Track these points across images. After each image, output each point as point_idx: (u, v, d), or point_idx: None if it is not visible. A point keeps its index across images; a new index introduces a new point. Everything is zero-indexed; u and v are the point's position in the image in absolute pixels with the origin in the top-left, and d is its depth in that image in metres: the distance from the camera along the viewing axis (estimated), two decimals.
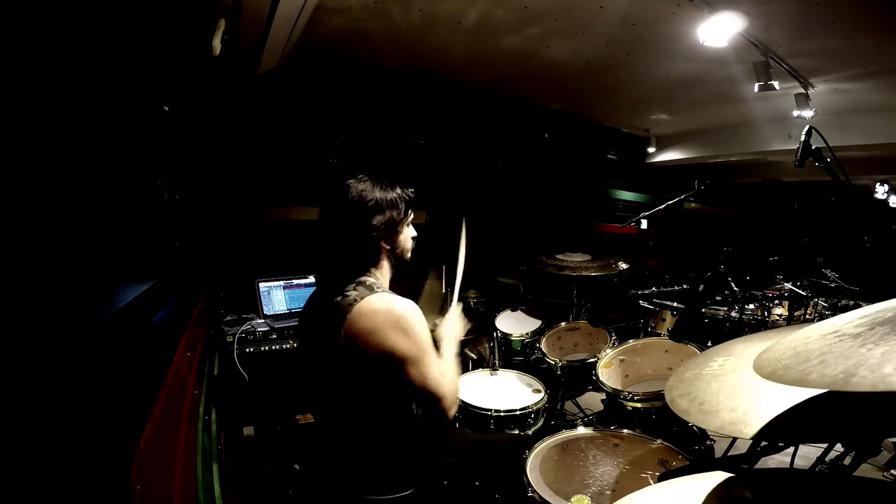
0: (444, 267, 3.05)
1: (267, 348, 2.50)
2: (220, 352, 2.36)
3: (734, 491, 0.77)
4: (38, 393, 0.80)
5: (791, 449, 1.52)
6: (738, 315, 2.75)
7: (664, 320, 2.97)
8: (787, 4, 2.42)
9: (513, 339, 2.79)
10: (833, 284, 2.99)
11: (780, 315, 2.91)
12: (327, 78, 3.47)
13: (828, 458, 1.19)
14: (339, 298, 1.29)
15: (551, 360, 2.48)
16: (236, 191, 3.22)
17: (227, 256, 3.04)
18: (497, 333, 2.85)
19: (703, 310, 2.83)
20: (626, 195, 5.97)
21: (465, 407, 2.00)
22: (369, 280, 1.34)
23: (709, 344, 2.19)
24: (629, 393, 1.93)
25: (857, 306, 2.52)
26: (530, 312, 3.03)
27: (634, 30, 2.78)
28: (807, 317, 2.84)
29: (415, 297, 1.34)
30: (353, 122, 3.70)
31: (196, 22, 2.07)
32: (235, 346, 2.41)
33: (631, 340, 2.32)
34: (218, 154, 3.14)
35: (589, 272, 2.95)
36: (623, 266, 2.95)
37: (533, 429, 2.00)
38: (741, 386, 0.96)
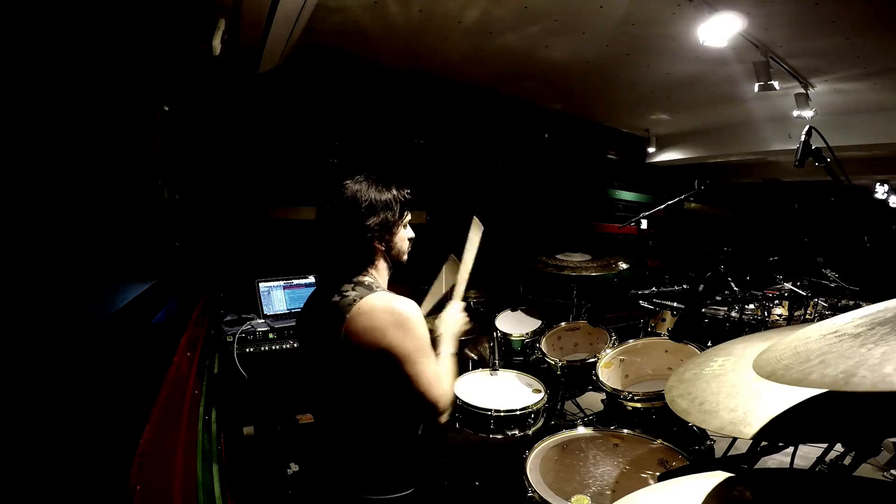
0: (443, 267, 3.04)
1: (267, 348, 2.50)
2: (220, 352, 2.36)
3: (734, 491, 0.77)
4: (39, 393, 0.80)
5: (791, 449, 1.53)
6: (738, 315, 2.74)
7: (664, 320, 2.97)
8: (787, 4, 2.42)
9: (513, 339, 2.79)
10: (833, 284, 2.99)
11: (780, 315, 2.91)
12: (327, 78, 3.47)
13: (828, 458, 1.20)
14: (337, 298, 1.29)
15: (551, 360, 2.48)
16: (236, 191, 3.22)
17: (227, 256, 3.04)
18: (497, 333, 2.85)
19: (703, 310, 2.83)
20: (626, 195, 5.97)
21: (465, 407, 1.99)
22: (367, 280, 1.34)
23: (709, 344, 2.19)
24: (629, 393, 1.93)
25: (857, 306, 2.52)
26: (530, 312, 3.03)
27: (634, 30, 2.78)
28: (807, 317, 2.84)
29: (416, 298, 1.34)
30: (353, 122, 3.70)
31: (196, 22, 2.07)
32: (235, 346, 2.41)
33: (631, 340, 2.32)
34: (218, 154, 3.14)
35: (589, 272, 2.95)
36: (623, 266, 2.95)
37: (533, 429, 2.00)
38: (741, 386, 0.96)
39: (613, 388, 1.99)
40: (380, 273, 1.41)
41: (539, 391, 2.14)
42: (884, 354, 0.57)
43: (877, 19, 2.51)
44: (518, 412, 1.96)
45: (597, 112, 4.88)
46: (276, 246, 3.19)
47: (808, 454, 1.47)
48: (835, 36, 2.73)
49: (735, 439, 1.38)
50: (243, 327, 2.50)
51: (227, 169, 3.18)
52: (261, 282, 2.75)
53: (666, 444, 1.51)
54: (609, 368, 2.20)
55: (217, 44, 2.05)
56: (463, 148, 4.38)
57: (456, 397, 2.03)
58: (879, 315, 0.69)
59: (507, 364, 2.68)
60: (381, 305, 1.25)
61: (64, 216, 1.04)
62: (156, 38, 1.85)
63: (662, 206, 3.02)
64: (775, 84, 2.96)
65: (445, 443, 1.57)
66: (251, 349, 2.46)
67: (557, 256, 3.14)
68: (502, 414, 1.95)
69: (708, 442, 1.86)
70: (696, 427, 1.83)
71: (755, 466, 1.15)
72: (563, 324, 2.83)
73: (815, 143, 1.84)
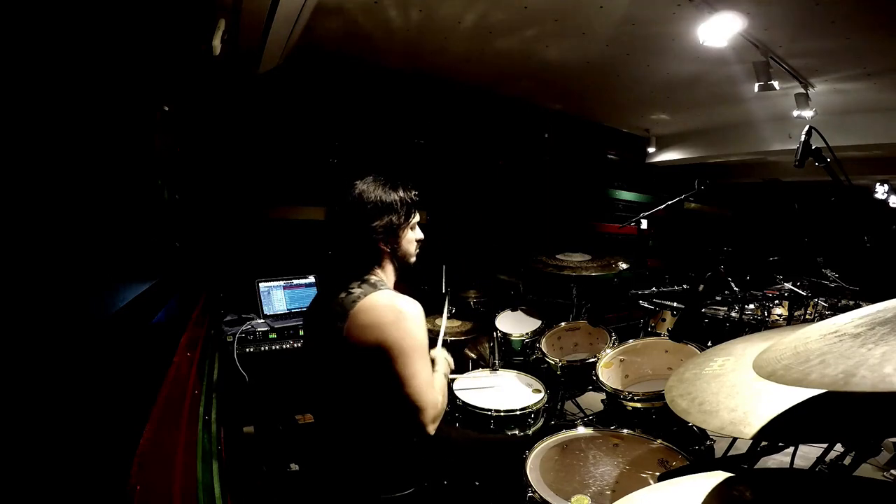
0: (443, 267, 3.05)
1: (267, 348, 2.50)
2: (220, 352, 2.36)
3: (734, 491, 0.77)
4: (39, 393, 0.80)
5: (791, 449, 1.53)
6: (738, 315, 2.74)
7: (664, 320, 2.97)
8: (787, 5, 2.42)
9: (513, 339, 2.79)
10: (833, 284, 2.99)
11: (780, 315, 2.91)
12: (327, 78, 3.47)
13: (828, 458, 1.20)
14: (343, 296, 1.29)
15: (551, 360, 2.48)
16: (236, 191, 3.22)
17: (227, 256, 3.04)
18: (497, 333, 2.85)
19: (703, 310, 2.83)
20: (626, 195, 5.97)
21: (465, 407, 2.00)
22: (373, 279, 1.35)
23: (709, 344, 2.19)
24: (629, 393, 1.93)
25: (857, 306, 2.52)
26: (530, 312, 3.03)
27: (634, 30, 2.78)
28: (807, 317, 2.84)
29: (415, 297, 1.34)
30: (353, 122, 3.70)
31: (196, 22, 2.07)
32: (235, 346, 2.41)
33: (631, 340, 2.32)
34: (218, 154, 3.14)
35: (589, 272, 2.95)
36: (623, 266, 2.95)
37: (533, 429, 2.00)
38: (741, 386, 0.96)
39: (613, 388, 2.00)
40: (387, 273, 1.41)
41: (539, 391, 2.14)
42: (884, 354, 0.57)
43: (877, 19, 2.51)
44: (518, 412, 1.96)
45: (597, 112, 4.88)
46: (276, 246, 3.19)
47: (808, 454, 1.47)
48: (835, 36, 2.73)
49: (735, 439, 1.38)
50: (243, 327, 2.50)
51: (227, 169, 3.18)
52: (261, 282, 2.75)
53: (666, 444, 1.51)
54: (609, 368, 2.20)
55: (217, 44, 2.05)
56: (463, 148, 4.38)
57: (456, 397, 2.03)
58: (879, 315, 0.69)
59: (507, 364, 2.68)
60: (383, 303, 1.25)
61: (64, 216, 1.04)
62: (156, 39, 1.85)
63: (662, 206, 3.02)
64: (775, 84, 2.96)
65: (445, 442, 1.57)
66: (251, 349, 2.46)
67: (557, 256, 3.14)
68: (502, 414, 1.95)
69: (708, 442, 1.86)
70: (696, 427, 1.83)
71: (755, 466, 1.15)
72: (563, 324, 2.83)
73: (815, 143, 1.84)
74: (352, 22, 2.69)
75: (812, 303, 2.88)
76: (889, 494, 0.75)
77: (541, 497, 1.31)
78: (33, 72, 0.92)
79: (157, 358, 1.35)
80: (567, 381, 2.42)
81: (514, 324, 2.95)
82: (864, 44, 2.80)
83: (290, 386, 2.44)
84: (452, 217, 4.22)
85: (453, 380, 2.15)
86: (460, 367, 3.01)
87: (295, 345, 2.54)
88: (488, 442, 1.75)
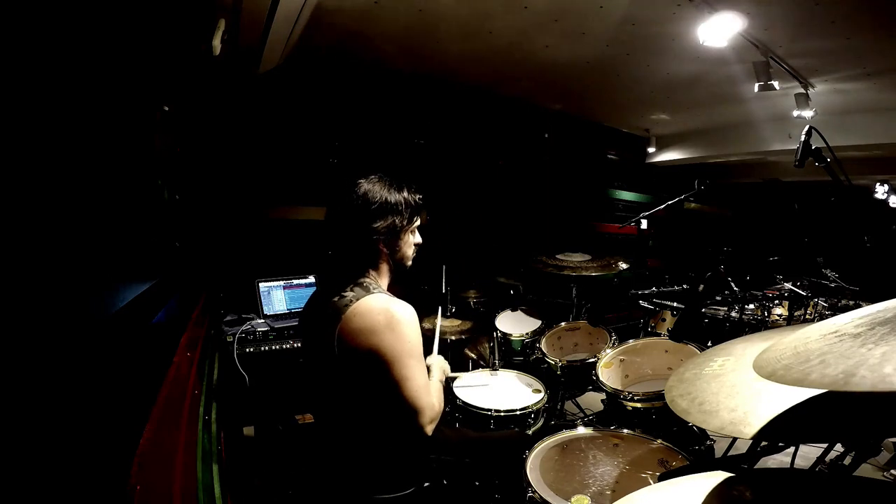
0: (443, 267, 3.05)
1: (267, 348, 2.50)
2: (220, 352, 2.36)
3: (734, 491, 0.77)
4: (39, 393, 0.80)
5: (791, 449, 1.52)
6: (738, 315, 2.74)
7: (664, 320, 2.97)
8: (787, 5, 2.42)
9: (513, 339, 2.79)
10: (833, 284, 2.99)
11: (780, 315, 2.91)
12: (327, 78, 3.47)
13: (828, 458, 1.20)
14: (336, 299, 1.29)
15: (551, 360, 2.48)
16: (236, 191, 3.23)
17: (227, 256, 3.04)
18: (497, 333, 2.85)
19: (703, 310, 2.83)
20: (626, 195, 5.97)
21: (465, 407, 2.00)
22: (367, 281, 1.34)
23: (709, 344, 2.19)
24: (629, 393, 1.93)
25: (857, 306, 2.52)
26: (530, 312, 3.03)
27: (634, 30, 2.78)
28: (807, 317, 2.84)
29: (413, 299, 1.34)
30: (353, 122, 3.70)
31: (196, 22, 2.07)
32: (235, 346, 2.41)
33: (631, 340, 2.32)
34: (218, 154, 3.14)
35: (589, 272, 2.94)
36: (623, 266, 2.95)
37: (533, 429, 2.00)
38: (741, 386, 0.96)
39: (613, 388, 1.99)
40: (381, 275, 1.40)
41: (539, 391, 2.14)
42: (884, 354, 0.57)
43: (877, 19, 2.51)
44: (518, 412, 1.96)
45: (597, 112, 4.88)
46: (276, 246, 3.19)
47: (808, 454, 1.47)
48: (835, 36, 2.73)
49: (735, 439, 1.38)
50: (243, 327, 2.50)
51: (227, 169, 3.18)
52: (261, 282, 2.75)
53: (666, 444, 1.51)
54: (609, 368, 2.20)
55: (217, 44, 2.05)
56: (463, 148, 4.38)
57: (456, 397, 2.03)
58: (879, 315, 0.69)
59: (507, 364, 2.68)
60: (377, 307, 1.25)
61: (64, 216, 1.04)
62: (156, 39, 1.85)
63: (662, 206, 3.02)
64: (775, 84, 2.96)
65: (445, 442, 1.57)
66: (251, 349, 2.46)
67: (557, 256, 3.14)
68: (502, 414, 1.95)
69: (708, 442, 1.86)
70: (696, 427, 1.83)
71: (755, 466, 1.14)
72: (563, 324, 2.83)
73: (815, 143, 1.84)
74: (352, 22, 2.69)
75: (812, 303, 2.88)
76: (889, 494, 0.75)
77: (541, 497, 1.31)
78: (34, 72, 0.92)
79: (157, 358, 1.35)
80: (567, 381, 2.42)
81: (514, 324, 2.95)
82: (864, 44, 2.80)
83: (290, 386, 2.44)
84: (452, 217, 4.22)
85: (453, 379, 2.15)
86: (461, 367, 3.02)
87: (295, 345, 2.54)
88: (488, 442, 1.75)
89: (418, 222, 1.44)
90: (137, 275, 1.54)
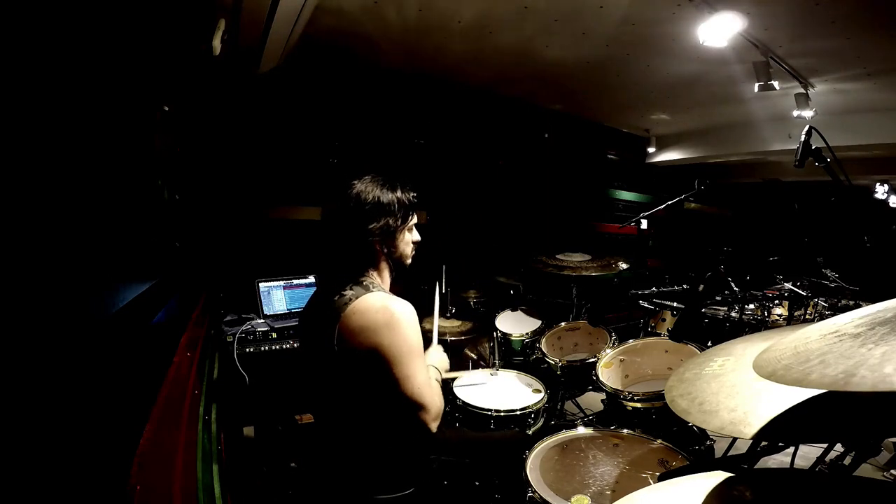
0: (443, 267, 3.05)
1: (267, 348, 2.50)
2: (220, 352, 2.36)
3: (734, 491, 0.77)
4: (39, 393, 0.80)
5: (791, 449, 1.52)
6: (738, 315, 2.74)
7: (664, 320, 2.97)
8: (787, 4, 2.42)
9: (513, 339, 2.79)
10: (833, 284, 2.99)
11: (780, 315, 2.91)
12: (327, 78, 3.47)
13: (828, 458, 1.20)
14: (336, 298, 1.29)
15: (551, 360, 2.48)
16: (236, 191, 3.22)
17: (227, 256, 3.04)
18: (497, 333, 2.85)
19: (703, 310, 2.83)
20: (626, 195, 5.97)
21: (465, 407, 2.00)
22: (367, 281, 1.34)
23: (709, 344, 2.19)
24: (629, 393, 1.93)
25: (857, 306, 2.52)
26: (530, 312, 3.03)
27: (634, 30, 2.78)
28: (807, 317, 2.84)
29: (414, 298, 1.34)
30: (353, 122, 3.70)
31: (196, 22, 2.07)
32: (235, 346, 2.40)
33: (631, 340, 2.32)
34: (218, 154, 3.14)
35: (589, 272, 2.95)
36: (623, 266, 2.95)
37: (533, 429, 2.00)
38: (741, 386, 0.96)
39: (613, 388, 1.99)
40: (381, 275, 1.40)
41: (539, 391, 2.14)
42: (884, 354, 0.57)
43: (877, 19, 2.51)
44: (518, 412, 1.96)
45: (597, 112, 4.88)
46: (276, 246, 3.19)
47: (808, 454, 1.47)
48: (835, 36, 2.73)
49: (735, 439, 1.38)
50: (243, 327, 2.50)
51: (227, 169, 3.18)
52: (261, 282, 2.75)
53: (666, 444, 1.51)
54: (609, 368, 2.20)
55: (217, 44, 2.04)
56: (463, 148, 4.38)
57: (456, 397, 2.03)
58: (879, 315, 0.69)
59: (507, 364, 2.68)
60: (375, 305, 1.25)
61: (64, 216, 1.04)
62: (156, 39, 1.85)
63: (662, 206, 3.02)
64: (775, 84, 2.96)
65: (445, 442, 1.57)
66: (251, 349, 2.46)
67: (557, 256, 3.14)
68: (502, 414, 1.95)
69: (708, 442, 1.86)
70: (696, 427, 1.83)
71: (755, 466, 1.14)
72: (563, 324, 2.83)
73: (815, 143, 1.84)
74: (352, 22, 2.69)
75: (812, 303, 2.88)
76: (889, 494, 0.75)
77: (541, 497, 1.31)
78: (34, 72, 0.92)
79: (157, 358, 1.35)
80: (567, 381, 2.42)
81: (514, 324, 2.95)
82: (864, 44, 2.80)
83: (290, 386, 2.44)
84: (452, 217, 4.22)
85: (453, 379, 2.15)
86: (460, 367, 3.02)
87: (295, 345, 2.53)
88: (488, 442, 1.75)
89: (414, 220, 1.44)
90: (137, 275, 1.54)
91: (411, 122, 4.03)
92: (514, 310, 3.09)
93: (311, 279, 2.83)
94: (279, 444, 2.37)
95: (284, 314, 2.73)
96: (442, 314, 2.54)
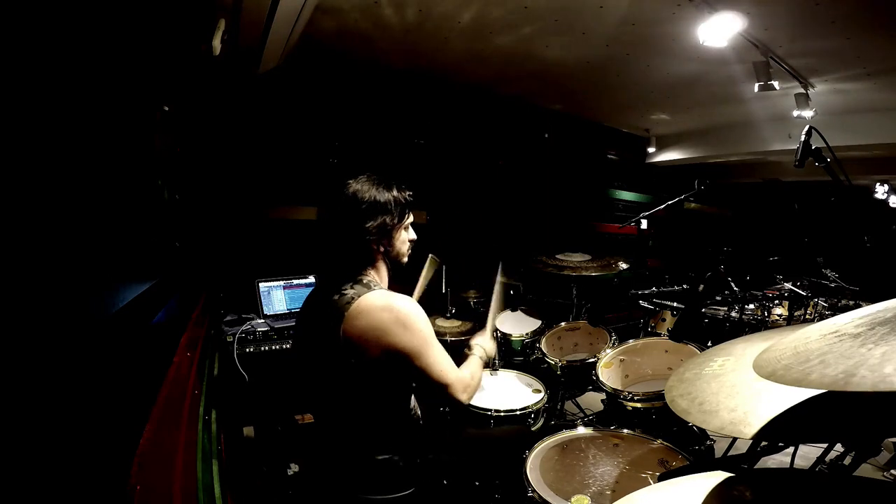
0: (443, 267, 3.05)
1: (267, 348, 2.50)
2: (220, 352, 2.36)
3: (734, 491, 0.77)
4: (39, 393, 0.80)
5: (791, 449, 1.52)
6: (738, 315, 2.74)
7: (664, 320, 2.97)
8: (787, 4, 2.42)
9: (513, 339, 2.79)
10: (833, 284, 2.99)
11: (780, 315, 2.91)
12: (327, 78, 3.47)
13: (828, 458, 1.20)
14: (336, 297, 1.29)
15: (551, 360, 2.48)
16: (236, 191, 3.23)
17: (227, 256, 3.04)
18: (497, 333, 2.85)
19: (703, 310, 2.83)
20: (626, 195, 5.97)
21: (465, 407, 1.99)
22: (366, 279, 1.34)
23: (709, 344, 2.18)
24: (629, 393, 1.93)
25: (857, 306, 2.52)
26: (530, 312, 3.03)
27: (634, 30, 2.78)
28: (807, 317, 2.84)
29: (409, 293, 1.34)
30: (353, 122, 3.70)
31: (196, 22, 2.07)
32: (235, 346, 2.41)
33: (631, 340, 2.32)
34: (218, 154, 3.14)
35: (589, 272, 2.94)
36: (623, 266, 2.95)
37: (533, 429, 2.00)
38: (741, 386, 0.96)
39: (613, 388, 1.99)
40: (380, 273, 1.41)
41: (539, 391, 2.14)
42: (884, 354, 0.57)
43: (877, 19, 2.51)
44: (518, 412, 1.96)
45: (597, 112, 4.88)
46: (276, 246, 3.19)
47: (808, 454, 1.47)
48: (835, 36, 2.73)
49: (735, 439, 1.38)
50: (243, 327, 2.50)
51: (227, 169, 3.18)
52: (261, 282, 2.75)
53: (666, 444, 1.51)
54: (609, 368, 2.20)
55: (217, 44, 2.04)
56: (463, 148, 4.38)
57: None
58: (879, 315, 0.70)
59: (507, 364, 2.68)
60: (379, 304, 1.25)
61: (64, 216, 1.04)
62: (156, 39, 1.85)
63: (662, 206, 3.02)
64: (775, 84, 2.96)
65: (445, 442, 1.57)
66: (251, 349, 2.46)
67: (557, 256, 3.14)
68: (502, 414, 1.95)
69: (708, 442, 1.86)
70: (696, 427, 1.83)
71: (755, 466, 1.15)
72: (563, 324, 2.83)
73: (815, 143, 1.83)
74: (351, 22, 2.69)
75: (812, 303, 2.88)
76: (889, 494, 0.75)
77: (541, 497, 1.31)
78: (34, 72, 0.92)
79: (157, 358, 1.35)
80: (567, 381, 2.42)
81: (514, 324, 2.95)
82: (864, 44, 2.80)
83: (290, 386, 2.44)
84: (452, 217, 4.22)
85: None
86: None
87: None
88: (488, 441, 1.75)
89: (410, 219, 1.44)
90: (137, 275, 1.54)
91: (411, 122, 4.03)
92: (514, 310, 3.09)
93: (311, 279, 2.83)
94: (279, 444, 2.37)
95: (284, 314, 2.73)
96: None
